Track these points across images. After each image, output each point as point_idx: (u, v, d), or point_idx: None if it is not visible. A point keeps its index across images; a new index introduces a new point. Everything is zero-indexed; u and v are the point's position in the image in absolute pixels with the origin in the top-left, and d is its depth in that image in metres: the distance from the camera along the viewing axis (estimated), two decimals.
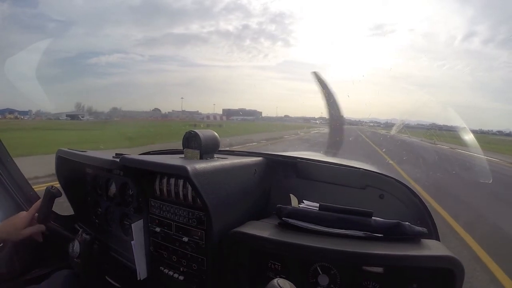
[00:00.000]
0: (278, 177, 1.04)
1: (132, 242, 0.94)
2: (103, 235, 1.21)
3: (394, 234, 0.71)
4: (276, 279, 0.56)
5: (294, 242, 0.70)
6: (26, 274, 1.21)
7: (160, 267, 0.92)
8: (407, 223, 0.73)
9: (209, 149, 0.92)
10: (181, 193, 0.85)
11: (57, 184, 1.23)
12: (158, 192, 0.91)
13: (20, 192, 1.32)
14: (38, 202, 1.11)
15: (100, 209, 1.30)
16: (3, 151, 1.30)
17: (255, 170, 0.97)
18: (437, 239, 0.79)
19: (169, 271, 0.89)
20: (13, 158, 1.33)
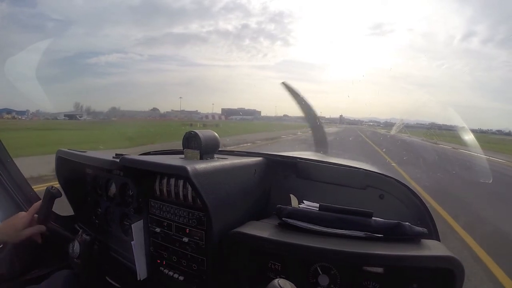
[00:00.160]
0: (278, 177, 1.04)
1: (132, 242, 0.94)
2: (103, 235, 1.21)
3: (394, 234, 0.71)
4: (276, 279, 0.56)
5: (294, 242, 0.70)
6: (26, 274, 1.20)
7: (160, 268, 0.92)
8: (407, 223, 0.73)
9: (209, 149, 0.92)
10: (181, 193, 0.85)
11: (56, 184, 1.23)
12: (158, 193, 0.91)
13: (19, 193, 1.31)
14: (38, 203, 1.11)
15: (100, 210, 1.30)
16: (3, 151, 1.30)
17: (255, 170, 0.97)
18: (437, 239, 0.79)
19: (169, 271, 0.89)
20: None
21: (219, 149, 0.99)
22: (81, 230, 1.16)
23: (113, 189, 1.22)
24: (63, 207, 1.35)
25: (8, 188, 1.29)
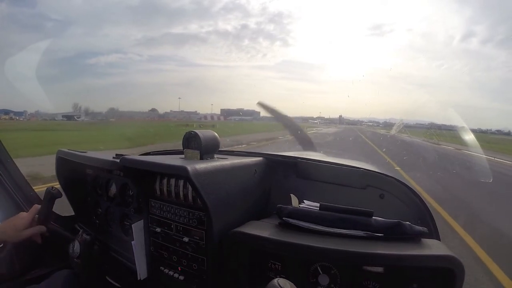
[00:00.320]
0: (278, 177, 1.04)
1: (132, 242, 0.94)
2: (103, 235, 1.21)
3: (394, 233, 0.71)
4: (277, 279, 0.56)
5: (294, 242, 0.70)
6: (26, 274, 1.20)
7: (160, 267, 0.92)
8: (407, 222, 0.73)
9: (209, 149, 0.92)
10: (181, 193, 0.85)
11: (57, 185, 1.23)
12: (158, 193, 0.91)
13: (20, 193, 1.32)
14: (38, 203, 1.11)
15: (100, 210, 1.30)
16: (3, 151, 1.30)
17: (255, 170, 0.97)
18: (438, 238, 0.80)
19: (169, 271, 0.89)
20: None
21: (219, 149, 0.99)
22: (81, 230, 1.16)
23: (113, 189, 1.22)
24: (63, 207, 1.35)
25: (8, 188, 1.29)
